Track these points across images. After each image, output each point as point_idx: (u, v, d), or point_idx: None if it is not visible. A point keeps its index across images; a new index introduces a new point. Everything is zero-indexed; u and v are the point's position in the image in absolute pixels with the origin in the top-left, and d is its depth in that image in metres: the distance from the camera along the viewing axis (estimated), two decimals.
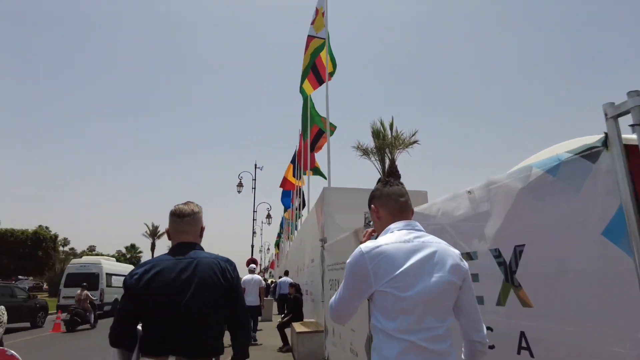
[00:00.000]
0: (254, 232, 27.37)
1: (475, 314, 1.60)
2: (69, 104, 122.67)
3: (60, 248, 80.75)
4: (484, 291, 2.16)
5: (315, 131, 14.33)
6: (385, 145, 17.52)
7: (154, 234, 77.10)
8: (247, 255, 26.40)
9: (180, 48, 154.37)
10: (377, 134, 17.87)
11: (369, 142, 19.65)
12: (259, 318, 9.83)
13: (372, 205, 1.80)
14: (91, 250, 79.66)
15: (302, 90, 12.87)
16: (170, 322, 1.89)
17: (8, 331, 13.43)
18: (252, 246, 26.09)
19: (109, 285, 19.24)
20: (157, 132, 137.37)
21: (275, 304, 16.69)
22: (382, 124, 18.46)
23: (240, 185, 25.08)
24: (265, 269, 58.33)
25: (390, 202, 1.73)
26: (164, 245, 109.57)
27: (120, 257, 61.79)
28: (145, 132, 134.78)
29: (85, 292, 15.03)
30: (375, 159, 17.74)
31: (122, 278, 21.95)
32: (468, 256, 2.28)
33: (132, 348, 1.97)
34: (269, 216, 29.07)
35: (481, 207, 2.16)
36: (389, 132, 18.39)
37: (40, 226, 47.09)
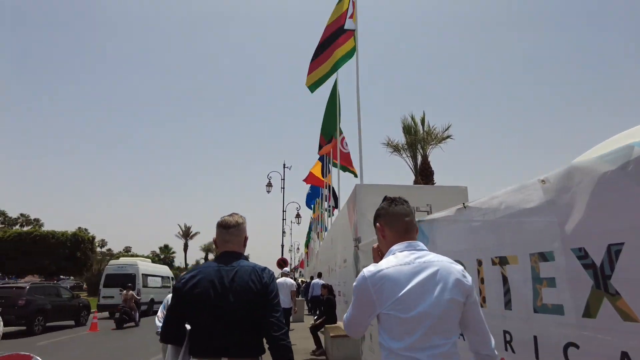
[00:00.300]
0: (283, 232, 27.35)
1: (482, 329, 1.63)
2: (107, 110, 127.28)
3: (98, 249, 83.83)
4: (563, 299, 1.80)
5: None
6: (417, 141, 16.97)
7: (186, 234, 78.81)
8: (277, 255, 26.41)
9: (211, 51, 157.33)
10: (408, 130, 17.32)
11: (400, 138, 19.16)
12: (290, 318, 10.09)
13: (378, 224, 1.84)
14: (127, 251, 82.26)
15: (334, 87, 12.57)
16: (215, 325, 2.06)
17: (53, 329, 14.29)
18: (282, 246, 26.07)
19: (145, 285, 19.72)
20: (187, 135, 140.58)
21: (305, 305, 16.56)
22: (413, 119, 17.93)
23: (269, 185, 25.10)
24: (295, 268, 58.38)
25: (395, 221, 1.76)
26: (196, 246, 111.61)
27: (154, 258, 63.38)
28: (176, 136, 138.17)
29: (131, 292, 16.14)
30: (407, 156, 17.23)
31: (157, 278, 22.45)
32: (541, 257, 1.93)
33: (181, 343, 2.11)
34: (298, 216, 28.88)
35: (560, 198, 1.80)
36: (420, 127, 17.84)
37: (79, 228, 49.10)
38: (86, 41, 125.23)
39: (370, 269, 1.62)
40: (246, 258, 2.30)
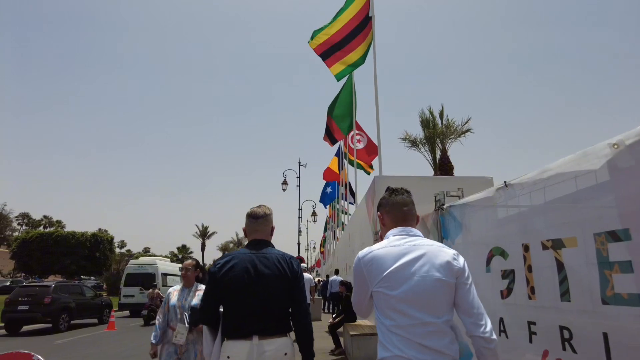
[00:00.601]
0: (299, 231, 27.12)
1: (473, 310, 1.61)
2: (126, 113, 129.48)
3: (118, 250, 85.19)
4: None
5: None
6: (435, 134, 16.49)
7: (203, 234, 79.35)
8: (293, 254, 26.18)
9: (228, 51, 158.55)
10: (426, 123, 16.81)
11: (417, 133, 18.67)
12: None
13: (379, 213, 1.94)
14: (146, 252, 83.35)
15: (349, 78, 12.23)
16: (249, 306, 2.19)
17: (77, 326, 14.49)
18: (299, 244, 25.84)
19: (164, 284, 19.74)
20: (203, 136, 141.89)
21: (322, 303, 16.32)
22: (431, 112, 17.42)
23: (284, 183, 24.86)
24: (311, 268, 58.20)
25: (393, 210, 1.86)
26: (213, 245, 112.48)
27: (172, 258, 64.09)
28: (192, 136, 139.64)
29: (157, 290, 16.74)
30: (426, 150, 16.74)
31: (176, 277, 21.70)
32: (611, 236, 1.59)
33: (216, 326, 2.28)
34: (314, 214, 28.53)
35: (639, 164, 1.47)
36: (439, 120, 17.35)
37: (99, 229, 49.87)
38: (106, 42, 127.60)
39: (363, 251, 1.75)
40: (272, 246, 2.44)
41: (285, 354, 2.21)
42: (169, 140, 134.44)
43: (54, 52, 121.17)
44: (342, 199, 21.91)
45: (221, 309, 2.31)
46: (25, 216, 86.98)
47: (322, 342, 9.31)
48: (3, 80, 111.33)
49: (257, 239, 2.41)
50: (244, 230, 2.49)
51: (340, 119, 12.83)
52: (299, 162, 25.81)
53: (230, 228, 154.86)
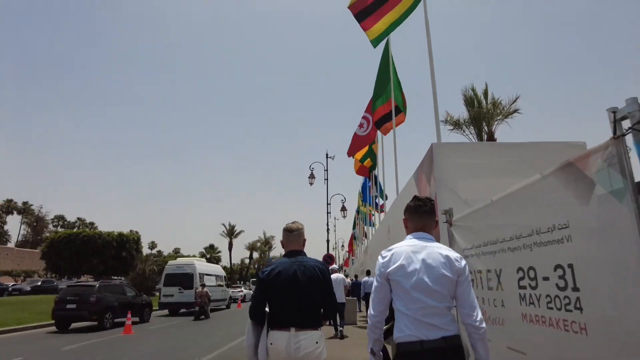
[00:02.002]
0: (328, 228, 25.58)
1: (468, 303, 2.05)
2: (154, 118, 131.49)
3: (149, 250, 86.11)
4: None
5: (388, 108, 11.99)
6: (481, 114, 14.61)
7: (230, 233, 78.97)
8: (321, 251, 24.72)
9: (250, 47, 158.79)
10: (470, 102, 14.95)
11: (459, 113, 16.74)
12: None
13: (404, 217, 2.39)
14: (176, 252, 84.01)
15: (386, 48, 10.60)
16: (290, 305, 2.76)
17: (121, 324, 14.20)
18: (328, 241, 24.26)
19: (201, 284, 19.85)
20: (226, 133, 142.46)
21: (357, 305, 14.92)
22: (474, 91, 15.56)
23: (311, 177, 23.37)
24: (340, 267, 56.64)
25: (416, 218, 2.30)
26: (241, 244, 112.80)
27: (200, 258, 63.80)
28: (216, 134, 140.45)
29: (205, 289, 18.17)
30: (470, 132, 14.88)
31: (212, 277, 22.80)
32: None
33: (262, 322, 2.84)
34: (343, 209, 26.28)
35: None
36: (483, 100, 15.46)
37: (131, 230, 49.93)
38: (169, 44, 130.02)
39: (384, 251, 2.22)
40: (305, 254, 3.01)
41: (316, 342, 2.74)
42: (194, 140, 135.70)
43: (104, 52, 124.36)
44: (368, 192, 20.22)
45: (267, 309, 2.85)
46: (60, 218, 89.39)
47: (360, 351, 7.79)
48: (42, 82, 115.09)
49: (293, 250, 3.00)
50: (282, 242, 3.07)
51: (378, 97, 11.20)
52: (327, 155, 24.22)
53: (256, 227, 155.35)
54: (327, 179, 23.66)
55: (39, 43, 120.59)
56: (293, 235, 3.00)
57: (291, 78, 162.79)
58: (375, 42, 8.95)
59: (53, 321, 14.27)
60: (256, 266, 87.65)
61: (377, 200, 18.59)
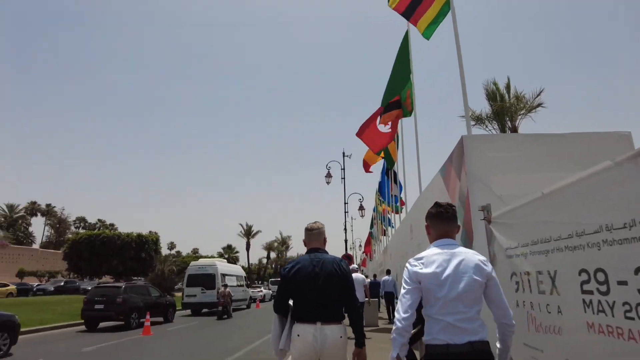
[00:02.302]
0: (345, 228, 25.26)
1: (502, 304, 2.16)
2: (171, 117, 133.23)
3: (168, 251, 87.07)
4: None
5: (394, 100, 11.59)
6: (504, 109, 14.09)
7: (248, 233, 79.25)
8: (339, 251, 24.37)
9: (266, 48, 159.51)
10: (492, 97, 14.44)
11: (480, 108, 16.21)
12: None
13: (426, 224, 2.45)
14: (195, 253, 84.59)
15: (405, 40, 10.27)
16: (312, 299, 2.88)
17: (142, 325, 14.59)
18: (346, 241, 23.98)
19: (224, 284, 20.19)
20: (243, 134, 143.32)
21: (378, 305, 14.65)
22: (495, 85, 15.04)
23: (328, 176, 23.10)
24: (358, 267, 56.09)
25: (438, 224, 2.35)
26: (258, 244, 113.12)
27: (221, 258, 64.06)
28: (233, 135, 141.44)
29: (228, 289, 18.66)
30: (493, 127, 14.36)
31: (233, 277, 22.99)
32: None
33: (286, 315, 3.02)
34: (361, 207, 25.70)
35: None
36: (505, 94, 14.92)
37: (150, 232, 50.51)
38: (183, 44, 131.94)
39: (413, 260, 2.26)
40: (326, 252, 3.14)
41: (341, 336, 2.89)
42: (211, 141, 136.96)
43: (116, 52, 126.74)
44: (386, 189, 19.79)
45: (290, 302, 3.01)
46: (81, 220, 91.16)
47: (384, 356, 7.45)
48: (56, 81, 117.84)
49: (314, 247, 3.14)
50: (304, 241, 3.22)
51: (394, 88, 10.82)
52: (343, 153, 23.81)
53: (274, 227, 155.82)
54: (344, 178, 23.31)
55: (60, 44, 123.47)
56: (313, 233, 3.16)
57: (309, 75, 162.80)
58: (427, 34, 8.48)
59: (74, 321, 14.64)
60: (273, 266, 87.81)
61: (396, 199, 18.18)
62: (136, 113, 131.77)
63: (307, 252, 3.11)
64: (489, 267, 2.17)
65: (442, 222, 2.33)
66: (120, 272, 37.60)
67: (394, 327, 2.15)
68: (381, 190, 22.43)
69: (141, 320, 14.45)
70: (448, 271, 2.11)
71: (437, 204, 2.40)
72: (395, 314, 2.18)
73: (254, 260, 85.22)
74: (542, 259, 2.63)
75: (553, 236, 2.49)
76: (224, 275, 21.67)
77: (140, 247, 38.27)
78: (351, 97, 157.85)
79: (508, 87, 15.28)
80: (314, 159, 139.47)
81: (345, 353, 2.92)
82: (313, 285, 2.87)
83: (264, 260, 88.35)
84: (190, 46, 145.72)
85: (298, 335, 2.85)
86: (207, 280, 20.51)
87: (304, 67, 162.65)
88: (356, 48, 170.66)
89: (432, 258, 2.18)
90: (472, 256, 2.19)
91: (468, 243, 4.77)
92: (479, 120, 14.54)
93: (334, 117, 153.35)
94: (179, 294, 25.71)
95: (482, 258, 2.20)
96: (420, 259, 2.22)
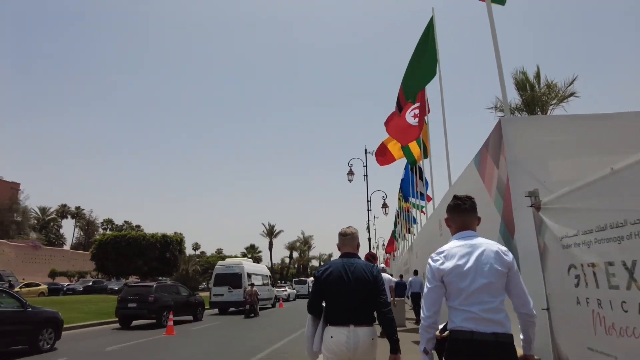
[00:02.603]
0: (367, 228, 24.81)
1: (521, 293, 2.19)
2: (193, 119, 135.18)
3: (192, 252, 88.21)
4: None
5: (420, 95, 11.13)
6: (535, 99, 13.40)
7: (270, 233, 79.49)
8: (362, 250, 23.93)
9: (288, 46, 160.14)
10: (522, 86, 13.75)
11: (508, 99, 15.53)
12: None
13: (446, 217, 2.51)
14: (219, 253, 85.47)
15: (430, 24, 9.82)
16: (344, 303, 2.94)
17: (176, 322, 15.32)
18: (369, 239, 23.54)
19: (250, 283, 20.66)
20: (265, 134, 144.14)
21: (406, 306, 14.36)
22: (524, 74, 14.34)
23: (350, 173, 22.66)
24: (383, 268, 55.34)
25: (457, 217, 2.41)
26: (280, 244, 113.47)
27: (247, 258, 64.34)
28: (253, 135, 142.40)
29: (255, 288, 19.11)
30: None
31: (259, 277, 23.30)
32: None
33: (319, 316, 3.09)
34: (384, 205, 24.42)
35: None
36: (535, 84, 14.21)
37: (175, 232, 51.21)
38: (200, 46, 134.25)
39: (434, 255, 2.32)
40: (358, 257, 3.20)
41: (372, 338, 2.94)
42: (234, 140, 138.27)
43: (142, 55, 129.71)
44: (410, 185, 19.24)
45: (323, 304, 3.08)
46: (109, 222, 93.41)
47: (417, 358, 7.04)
48: (86, 86, 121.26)
49: (347, 252, 3.20)
50: (338, 245, 3.28)
51: (414, 77, 10.35)
52: (365, 150, 23.38)
53: (296, 226, 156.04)
54: (366, 175, 22.83)
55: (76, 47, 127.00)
56: (347, 238, 3.23)
57: (327, 72, 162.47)
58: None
59: (99, 320, 15.08)
60: (296, 266, 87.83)
61: (422, 196, 17.63)
62: (166, 116, 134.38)
63: (340, 257, 3.19)
64: (509, 257, 2.20)
65: (461, 214, 2.39)
66: (145, 272, 38.20)
67: (420, 324, 2.27)
68: (403, 187, 21.87)
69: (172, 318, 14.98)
70: (470, 263, 2.16)
71: (455, 197, 2.48)
72: (421, 311, 2.29)
73: (276, 259, 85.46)
74: (614, 247, 2.22)
75: (629, 219, 2.08)
76: (250, 274, 21.95)
77: (164, 248, 38.69)
78: (373, 95, 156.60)
79: (538, 76, 14.56)
80: (335, 158, 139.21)
81: (375, 354, 3.01)
82: (344, 289, 2.94)
83: (287, 260, 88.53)
84: (222, 46, 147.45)
85: (331, 337, 2.91)
86: (234, 279, 20.89)
87: (322, 60, 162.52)
88: (378, 42, 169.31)
89: (453, 251, 2.24)
90: (492, 246, 2.23)
91: (509, 235, 4.35)
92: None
93: (356, 116, 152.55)
94: (203, 294, 25.91)
95: (503, 248, 2.24)
96: (442, 252, 2.28)
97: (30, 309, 9.31)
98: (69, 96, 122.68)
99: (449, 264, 2.19)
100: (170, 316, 13.25)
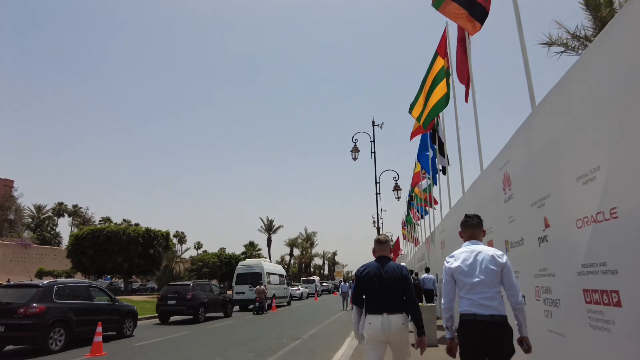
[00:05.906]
0: (375, 220, 21.03)
1: (512, 286, 2.97)
2: (195, 116, 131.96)
3: (195, 251, 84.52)
4: None
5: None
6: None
7: (269, 228, 75.60)
8: (368, 244, 20.12)
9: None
10: (595, 5, 9.89)
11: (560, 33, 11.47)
12: None
13: (459, 231, 3.43)
14: (221, 253, 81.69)
15: None
16: (380, 297, 3.72)
17: (208, 319, 17.10)
18: (378, 228, 19.70)
19: (268, 282, 22.48)
20: (263, 128, 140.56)
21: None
22: None
23: (355, 150, 18.27)
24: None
25: (465, 230, 3.35)
26: (280, 240, 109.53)
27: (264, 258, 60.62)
28: (254, 128, 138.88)
29: (263, 287, 20.56)
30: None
31: (276, 276, 25.01)
32: None
33: (362, 306, 3.90)
34: (396, 187, 19.11)
35: None
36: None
37: (176, 231, 47.38)
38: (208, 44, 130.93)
39: (448, 257, 3.27)
40: (391, 260, 3.99)
41: (402, 323, 3.68)
42: (229, 135, 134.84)
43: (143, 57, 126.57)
44: (428, 163, 15.14)
45: (364, 297, 3.87)
46: (106, 220, 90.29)
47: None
48: (87, 88, 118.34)
49: (382, 255, 3.96)
50: (373, 250, 4.06)
51: None
52: (373, 122, 18.53)
53: (297, 222, 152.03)
54: (374, 152, 18.46)
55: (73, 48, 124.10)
56: (383, 245, 4.00)
57: (328, 66, 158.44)
58: None
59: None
60: (297, 264, 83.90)
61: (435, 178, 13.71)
62: (166, 115, 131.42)
63: (376, 259, 3.97)
64: (503, 259, 3.02)
65: (468, 228, 3.31)
66: (126, 271, 34.18)
67: (442, 308, 3.21)
68: (422, 162, 17.53)
69: (207, 314, 16.87)
70: (472, 264, 3.04)
71: (465, 215, 3.39)
72: (441, 300, 3.31)
73: (276, 257, 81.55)
74: None
75: None
76: (269, 274, 23.63)
77: (148, 243, 34.40)
78: (374, 86, 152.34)
79: None
80: (338, 126, 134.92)
81: (407, 336, 3.79)
82: (379, 285, 3.71)
83: (287, 257, 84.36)
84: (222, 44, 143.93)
85: (370, 323, 3.69)
86: (254, 278, 22.33)
87: (320, 59, 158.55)
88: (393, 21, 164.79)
89: (460, 255, 3.15)
90: (489, 251, 3.08)
91: None
92: (571, 47, 9.87)
93: (356, 107, 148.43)
94: None
95: (498, 252, 3.08)
96: (452, 256, 3.21)
97: (117, 303, 11.42)
98: (68, 95, 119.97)
99: (455, 264, 3.11)
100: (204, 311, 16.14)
